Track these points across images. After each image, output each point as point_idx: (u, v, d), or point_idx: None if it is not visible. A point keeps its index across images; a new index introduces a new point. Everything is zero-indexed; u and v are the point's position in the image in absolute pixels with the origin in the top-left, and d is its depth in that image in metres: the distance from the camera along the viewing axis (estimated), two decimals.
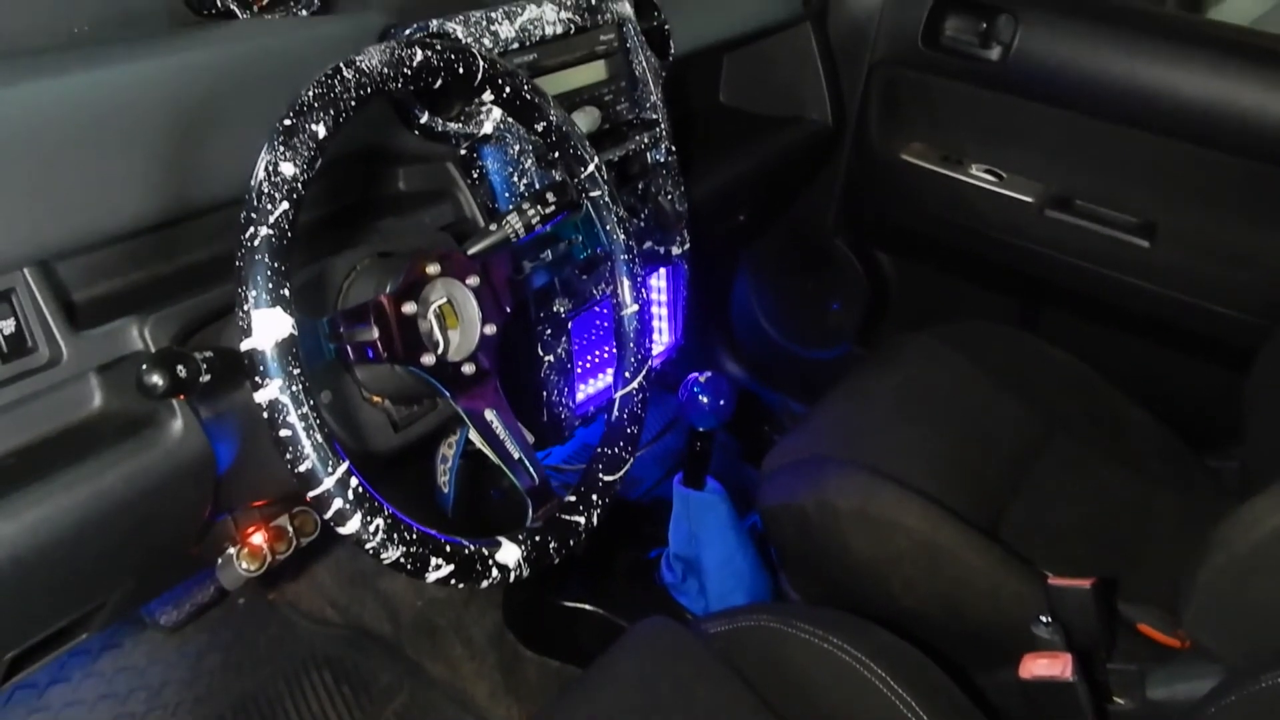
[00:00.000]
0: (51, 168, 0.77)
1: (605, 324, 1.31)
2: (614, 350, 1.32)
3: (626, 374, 0.96)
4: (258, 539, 1.10)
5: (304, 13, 1.08)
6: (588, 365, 1.30)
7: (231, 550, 1.08)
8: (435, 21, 1.06)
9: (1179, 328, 1.65)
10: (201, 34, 0.96)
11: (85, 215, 0.79)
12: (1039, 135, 1.69)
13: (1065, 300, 1.81)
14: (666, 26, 1.34)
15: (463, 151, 1.11)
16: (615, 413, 0.94)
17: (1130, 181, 1.62)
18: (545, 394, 1.21)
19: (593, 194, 0.94)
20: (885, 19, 1.77)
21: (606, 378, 1.33)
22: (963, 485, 1.34)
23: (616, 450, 0.92)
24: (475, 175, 1.11)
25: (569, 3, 1.20)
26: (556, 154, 0.91)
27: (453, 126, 1.05)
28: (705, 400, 1.34)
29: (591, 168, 0.93)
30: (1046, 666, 1.08)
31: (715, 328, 2.18)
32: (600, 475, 0.90)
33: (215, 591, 1.67)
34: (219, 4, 1.01)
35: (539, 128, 0.89)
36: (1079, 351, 1.59)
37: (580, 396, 1.28)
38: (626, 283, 0.96)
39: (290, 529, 1.13)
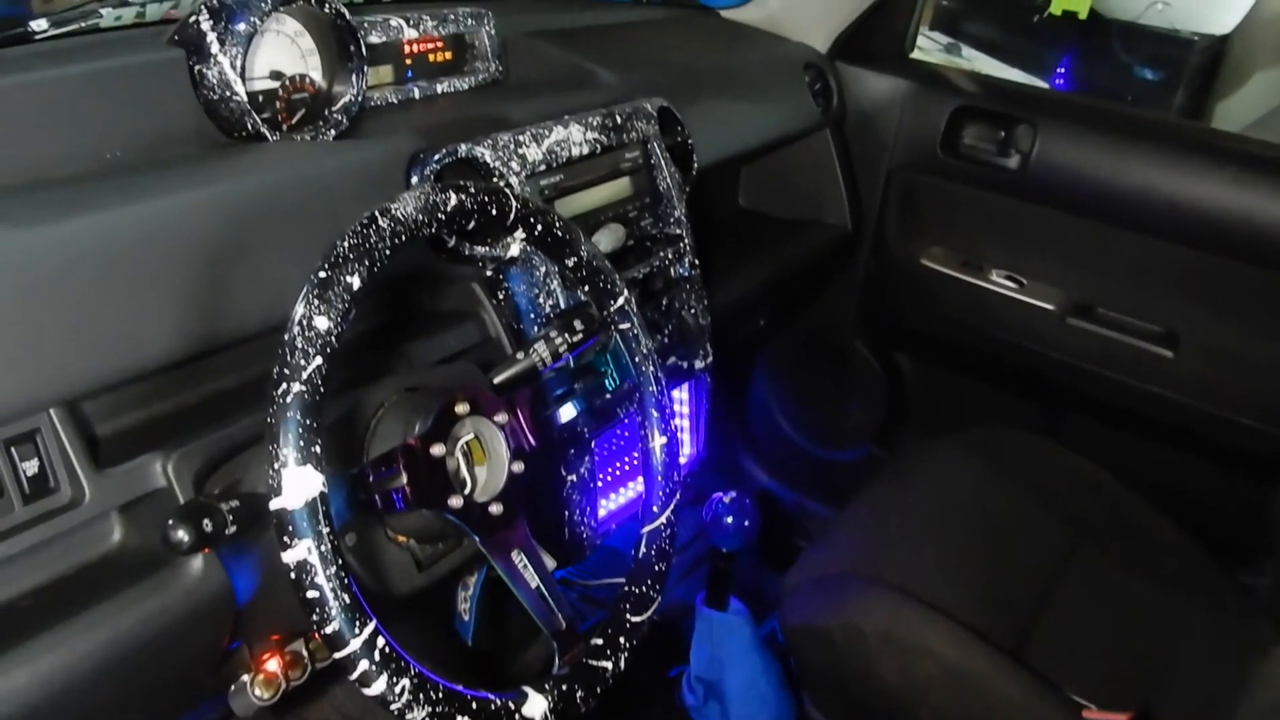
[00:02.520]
0: (81, 307, 0.76)
1: (628, 434, 1.29)
2: (635, 462, 1.31)
3: (655, 508, 0.94)
4: (273, 665, 1.07)
5: (332, 133, 1.09)
6: (608, 479, 1.28)
7: (245, 678, 1.05)
8: (464, 146, 1.06)
9: (1205, 438, 1.63)
10: (232, 161, 0.96)
11: (113, 354, 0.78)
12: (1059, 243, 1.69)
13: (1088, 408, 1.79)
14: (690, 142, 1.35)
15: (489, 273, 1.11)
16: (643, 549, 0.92)
17: (1152, 290, 1.62)
18: (567, 513, 1.19)
19: (622, 326, 0.93)
20: (904, 126, 1.78)
21: (628, 492, 1.31)
22: (989, 602, 1.31)
23: (644, 589, 0.90)
24: (500, 296, 1.11)
25: (595, 123, 1.20)
26: (587, 287, 0.91)
27: (479, 250, 1.05)
28: (730, 521, 1.33)
29: (621, 301, 0.92)
30: None
31: (733, 429, 2.16)
32: (628, 616, 0.88)
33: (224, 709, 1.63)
34: (250, 127, 1.02)
35: (569, 262, 0.88)
36: (1103, 460, 1.57)
37: (602, 513, 1.26)
38: (655, 415, 0.95)
39: (305, 653, 1.10)
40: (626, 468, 1.31)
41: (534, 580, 0.85)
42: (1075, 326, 1.67)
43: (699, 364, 1.35)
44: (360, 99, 1.11)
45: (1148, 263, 1.61)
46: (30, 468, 0.75)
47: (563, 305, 1.13)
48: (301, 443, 0.65)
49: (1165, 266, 1.59)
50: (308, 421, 0.65)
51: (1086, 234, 1.64)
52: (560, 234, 0.86)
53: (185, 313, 0.82)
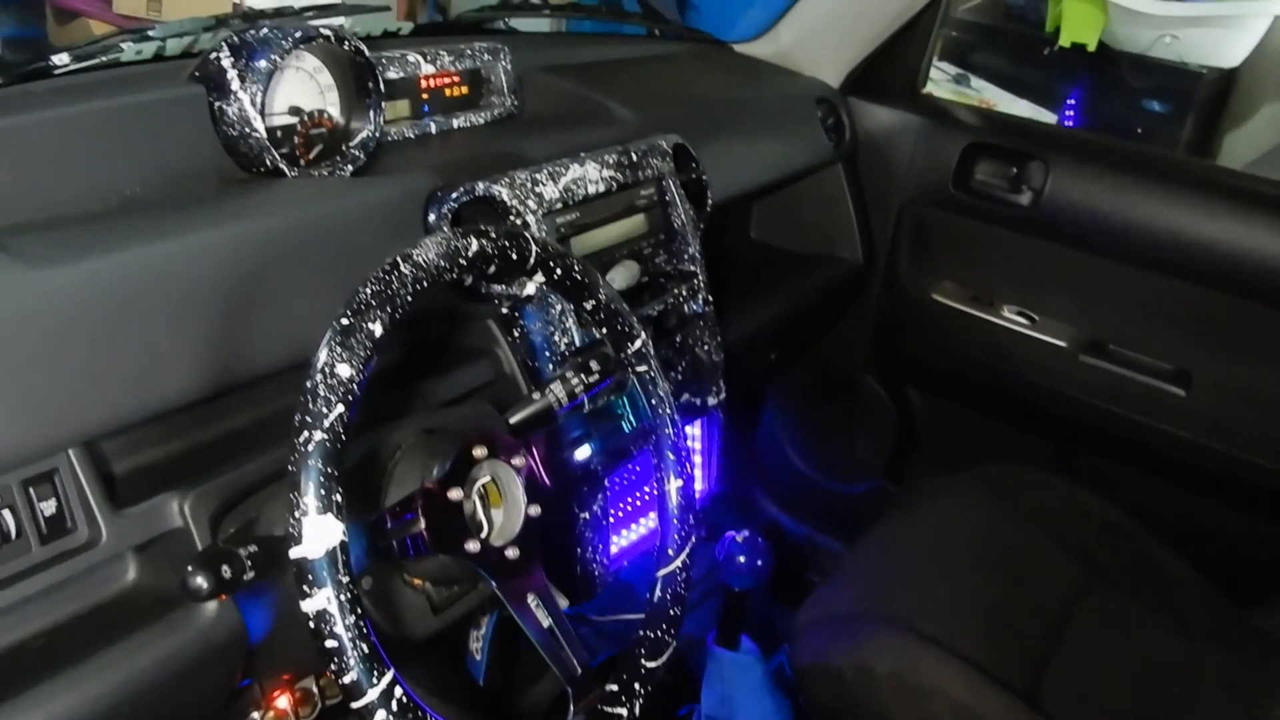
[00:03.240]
0: (101, 348, 0.77)
1: (640, 468, 1.29)
2: (648, 497, 1.30)
3: (670, 551, 0.93)
4: (283, 702, 1.06)
5: (349, 168, 1.09)
6: (620, 515, 1.28)
7: (255, 715, 1.04)
8: (481, 185, 1.06)
9: (1219, 478, 1.62)
10: (251, 199, 0.97)
11: (132, 394, 0.78)
12: (1071, 279, 1.69)
13: (1100, 445, 1.79)
14: (705, 178, 1.35)
15: (504, 310, 1.11)
16: (657, 593, 0.91)
17: (1165, 329, 1.62)
18: (580, 551, 1.18)
19: (639, 369, 0.93)
20: (916, 161, 1.79)
21: (640, 528, 1.31)
22: (1002, 643, 1.30)
23: (659, 634, 0.89)
24: (516, 334, 1.11)
25: (611, 161, 1.21)
26: (605, 330, 0.91)
27: (496, 288, 1.05)
28: (743, 560, 1.32)
29: (639, 343, 0.92)
30: None
31: (743, 461, 2.15)
32: (643, 661, 0.87)
33: None
34: (268, 163, 1.02)
35: (588, 306, 0.88)
36: (1115, 499, 1.57)
37: (614, 550, 1.25)
38: (672, 457, 0.95)
39: (316, 690, 1.10)
40: (639, 503, 1.31)
41: (550, 625, 0.84)
42: (1087, 364, 1.66)
43: (712, 400, 1.35)
44: (377, 135, 1.11)
45: (1160, 301, 1.61)
46: (48, 508, 0.75)
47: (578, 343, 1.13)
48: (323, 491, 0.65)
49: (1178, 305, 1.59)
50: (329, 470, 0.65)
51: (1099, 271, 1.64)
52: (579, 277, 0.86)
53: (203, 352, 0.83)
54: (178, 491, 0.81)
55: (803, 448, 2.12)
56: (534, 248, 0.82)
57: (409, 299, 0.72)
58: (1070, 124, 3.31)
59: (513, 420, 0.92)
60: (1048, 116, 3.25)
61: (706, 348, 1.32)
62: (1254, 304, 1.52)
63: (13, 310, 0.72)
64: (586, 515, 1.17)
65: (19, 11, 3.40)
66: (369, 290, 0.70)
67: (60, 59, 1.03)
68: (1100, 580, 1.43)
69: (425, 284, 0.73)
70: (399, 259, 0.72)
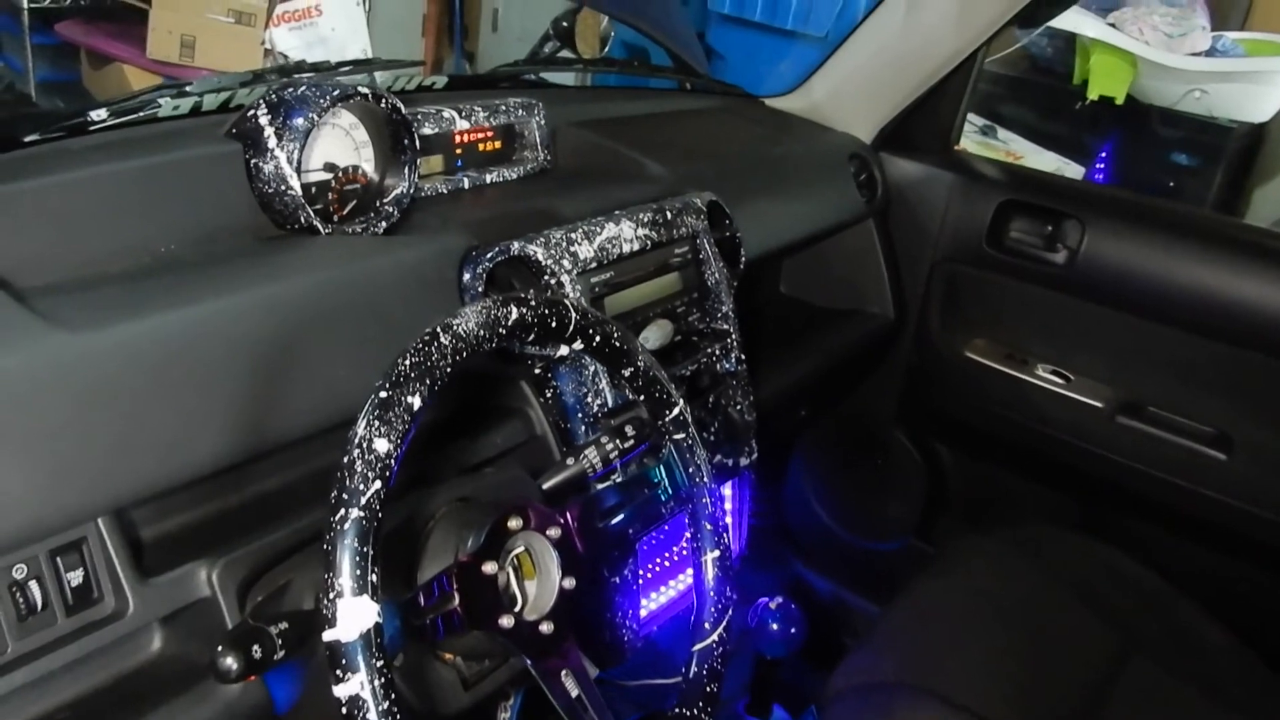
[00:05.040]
0: (133, 414, 0.75)
1: (668, 527, 1.26)
2: (677, 557, 1.28)
3: (706, 624, 0.91)
4: None
5: (383, 225, 1.08)
6: (649, 576, 1.25)
7: None
8: (516, 244, 1.05)
9: (1260, 544, 1.58)
10: (285, 258, 0.95)
11: (164, 461, 0.77)
12: (1108, 339, 1.66)
13: (1137, 508, 1.75)
14: (738, 236, 1.33)
15: (537, 370, 1.09)
16: (693, 668, 0.89)
17: (1204, 391, 1.59)
18: (609, 615, 1.16)
19: (677, 436, 0.91)
20: (949, 218, 1.77)
21: (669, 590, 1.28)
22: (1039, 715, 1.27)
23: (695, 712, 0.86)
24: (548, 394, 1.09)
25: (645, 219, 1.19)
26: (643, 397, 0.89)
27: (529, 349, 1.04)
28: (776, 628, 1.29)
29: (677, 410, 0.90)
30: None
31: (770, 517, 2.12)
32: None
33: None
34: (303, 220, 1.01)
35: (626, 373, 0.87)
36: (1151, 562, 1.53)
37: (643, 614, 1.23)
38: (708, 528, 0.92)
39: None
40: (668, 564, 1.28)
41: (579, 694, 0.82)
42: (1124, 425, 1.63)
43: (744, 461, 1.33)
44: (411, 191, 1.10)
45: (1199, 363, 1.58)
46: (75, 578, 0.74)
47: (611, 404, 1.11)
48: (358, 571, 0.63)
49: (1217, 367, 1.56)
50: (365, 550, 0.63)
51: (1136, 332, 1.62)
52: (618, 344, 0.85)
53: (236, 417, 0.81)
54: (206, 560, 0.79)
55: (832, 505, 2.09)
56: (574, 315, 0.80)
57: (448, 370, 0.70)
58: (1099, 177, 3.30)
59: (546, 486, 0.90)
60: (1075, 169, 3.24)
61: (739, 407, 1.30)
62: None
63: (45, 375, 0.71)
64: (616, 580, 1.14)
65: (54, 56, 3.46)
66: (408, 362, 0.68)
67: (98, 114, 1.03)
68: (1138, 648, 1.40)
69: (465, 354, 0.71)
70: (439, 329, 0.71)
